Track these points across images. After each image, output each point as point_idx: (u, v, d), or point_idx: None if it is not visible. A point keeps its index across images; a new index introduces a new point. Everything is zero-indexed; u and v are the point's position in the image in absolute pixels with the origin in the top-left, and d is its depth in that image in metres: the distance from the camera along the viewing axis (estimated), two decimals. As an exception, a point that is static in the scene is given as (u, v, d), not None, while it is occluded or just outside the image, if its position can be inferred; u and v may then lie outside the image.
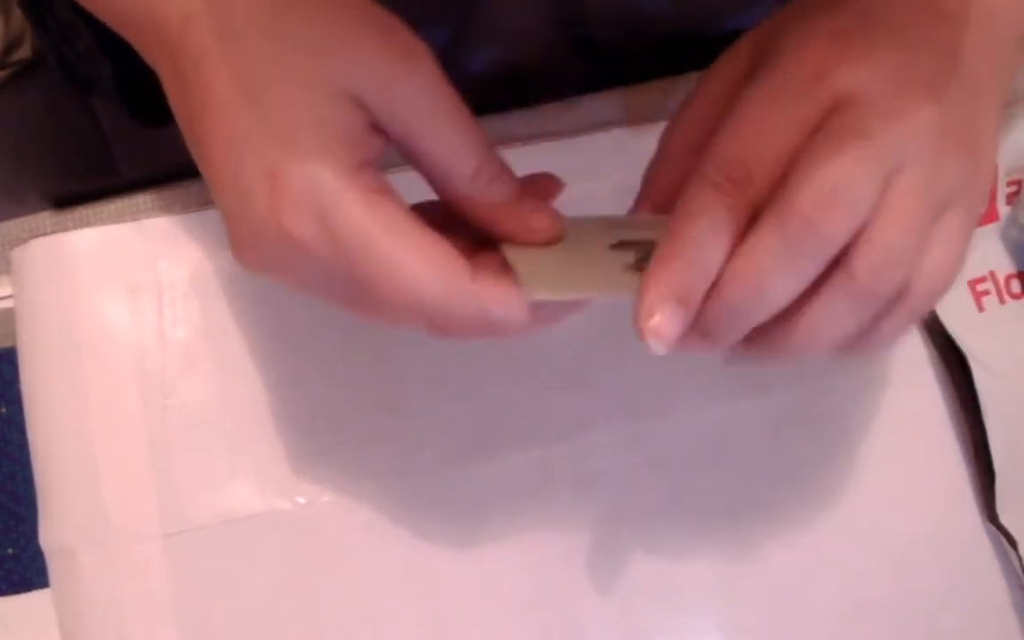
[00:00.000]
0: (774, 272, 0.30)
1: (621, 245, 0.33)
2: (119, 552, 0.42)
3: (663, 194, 0.34)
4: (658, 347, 0.30)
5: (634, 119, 0.45)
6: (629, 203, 0.44)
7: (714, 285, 0.30)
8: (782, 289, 0.30)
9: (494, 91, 0.46)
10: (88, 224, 0.45)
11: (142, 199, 0.45)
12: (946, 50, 0.32)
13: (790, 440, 0.44)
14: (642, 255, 0.32)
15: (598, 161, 0.44)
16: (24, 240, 0.44)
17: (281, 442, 0.43)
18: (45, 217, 0.46)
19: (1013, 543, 0.43)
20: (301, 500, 0.43)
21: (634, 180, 0.44)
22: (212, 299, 0.44)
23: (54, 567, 0.43)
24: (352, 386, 0.43)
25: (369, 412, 0.43)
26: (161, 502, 0.42)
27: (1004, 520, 0.43)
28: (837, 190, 0.29)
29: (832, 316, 0.31)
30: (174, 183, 0.45)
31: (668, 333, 0.30)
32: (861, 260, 0.30)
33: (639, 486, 0.43)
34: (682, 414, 0.44)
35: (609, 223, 0.34)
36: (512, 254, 0.32)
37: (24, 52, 0.58)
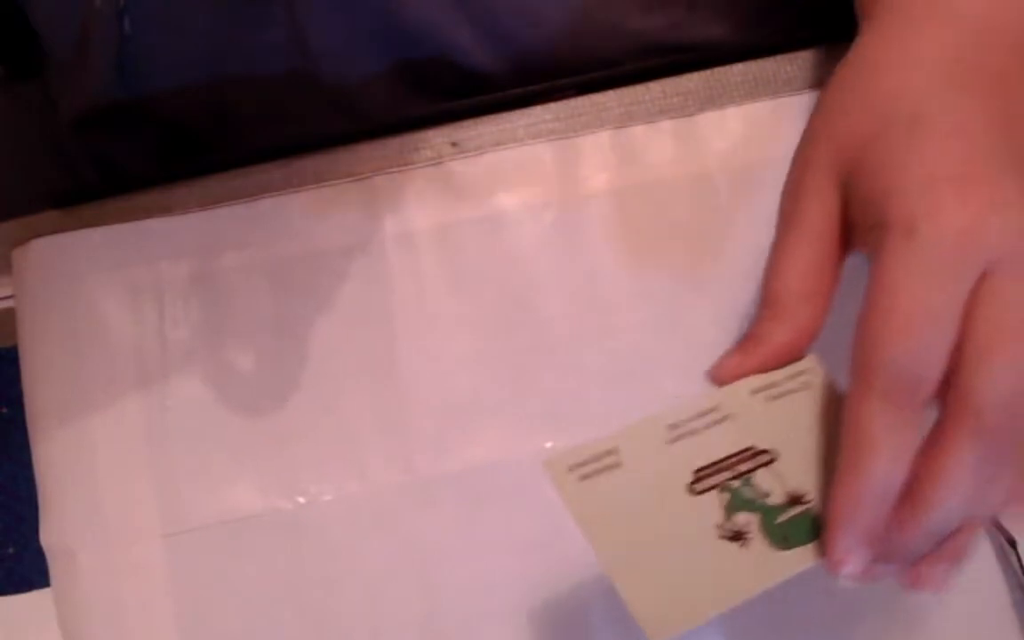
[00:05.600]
0: (970, 487, 0.29)
1: (700, 479, 0.31)
2: (119, 552, 0.42)
3: (782, 351, 0.32)
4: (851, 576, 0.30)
5: (630, 119, 0.45)
6: (623, 203, 0.44)
7: (908, 509, 0.29)
8: (976, 500, 0.29)
9: (498, 88, 0.46)
10: (88, 224, 0.45)
11: (142, 199, 0.45)
12: None
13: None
14: (731, 501, 0.31)
15: (593, 161, 0.45)
16: (24, 240, 0.45)
17: (281, 442, 0.43)
18: (45, 217, 0.46)
19: (1013, 543, 0.43)
20: (301, 500, 0.43)
21: (625, 181, 0.45)
22: (212, 299, 0.44)
23: (54, 566, 0.43)
24: (352, 385, 0.43)
25: (369, 412, 0.43)
26: (161, 502, 0.43)
27: (1004, 520, 0.43)
28: (1017, 393, 0.28)
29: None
30: (175, 183, 0.45)
31: (859, 572, 0.30)
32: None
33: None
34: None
35: (668, 437, 0.31)
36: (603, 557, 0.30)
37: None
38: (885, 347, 0.28)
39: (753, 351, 0.32)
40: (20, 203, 0.47)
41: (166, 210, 0.45)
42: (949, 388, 0.29)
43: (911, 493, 0.29)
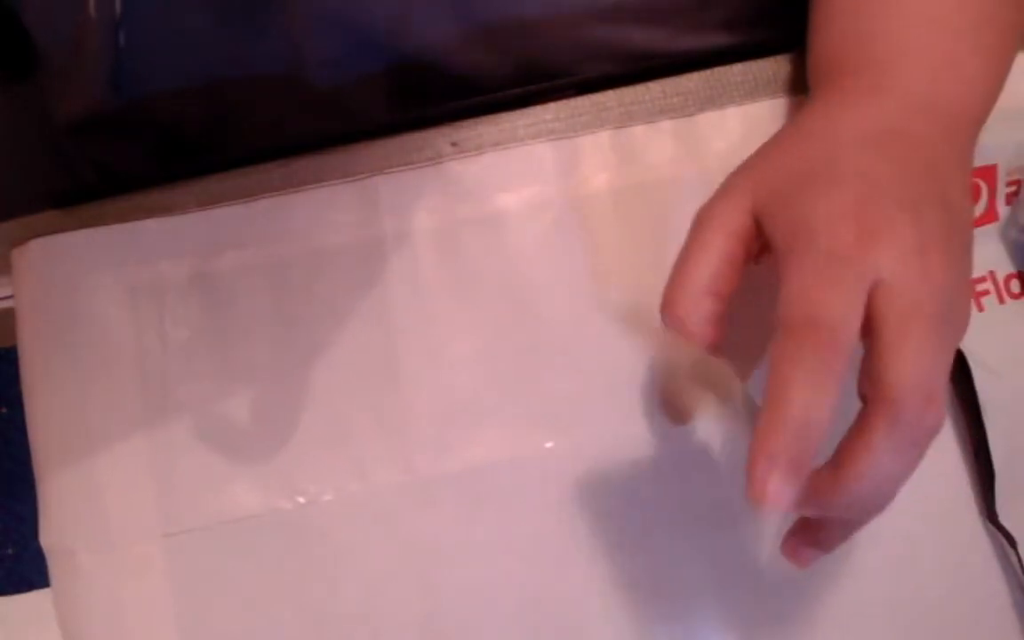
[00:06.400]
0: (893, 470, 0.32)
1: None
2: (119, 552, 0.42)
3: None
4: (774, 508, 0.31)
5: (630, 119, 0.45)
6: (623, 203, 0.44)
7: (835, 484, 0.32)
8: (901, 478, 0.32)
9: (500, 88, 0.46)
10: (88, 224, 0.45)
11: (142, 199, 0.45)
12: (930, 180, 0.35)
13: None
14: None
15: (593, 160, 0.45)
16: (24, 240, 0.45)
17: (281, 442, 0.43)
18: (45, 217, 0.46)
19: (1013, 543, 0.43)
20: (301, 500, 0.43)
21: (625, 180, 0.45)
22: (212, 299, 0.44)
23: (54, 566, 0.43)
24: (352, 385, 0.43)
25: (369, 411, 0.43)
26: (161, 502, 0.43)
27: (1004, 520, 0.43)
28: (933, 387, 0.31)
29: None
30: (175, 183, 0.45)
31: (782, 498, 0.31)
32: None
33: (639, 485, 0.43)
34: (682, 414, 0.44)
35: None
36: None
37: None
38: (797, 302, 0.32)
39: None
40: (20, 203, 0.47)
41: (166, 210, 0.45)
42: (869, 381, 0.32)
43: (838, 465, 0.32)
